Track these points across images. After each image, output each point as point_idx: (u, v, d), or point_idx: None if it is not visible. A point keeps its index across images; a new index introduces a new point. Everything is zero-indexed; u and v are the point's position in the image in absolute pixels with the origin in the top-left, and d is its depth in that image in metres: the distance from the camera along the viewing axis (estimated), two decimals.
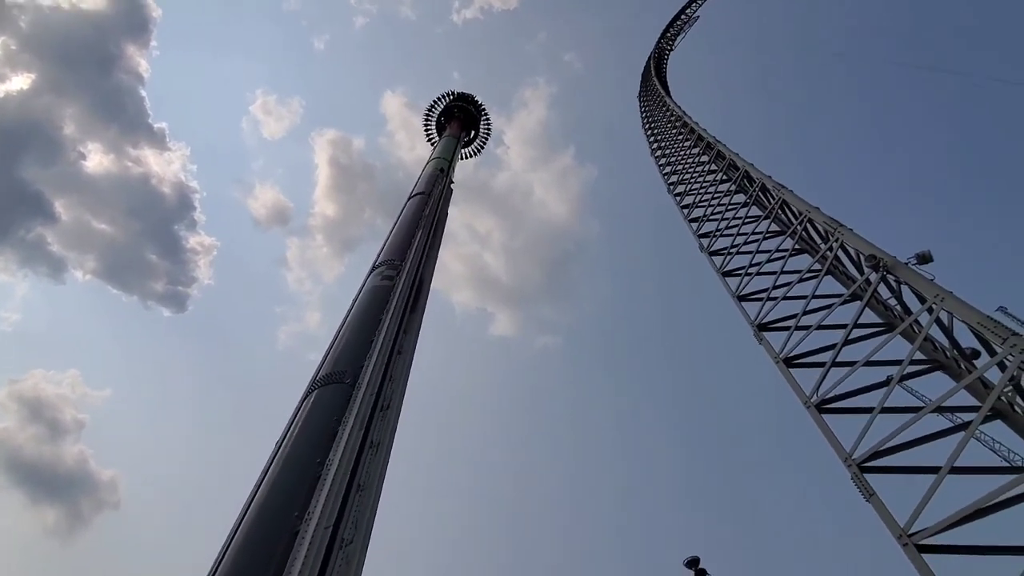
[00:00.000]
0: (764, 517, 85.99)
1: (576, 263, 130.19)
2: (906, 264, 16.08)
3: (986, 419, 13.22)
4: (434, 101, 50.95)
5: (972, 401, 14.43)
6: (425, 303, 19.63)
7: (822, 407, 15.63)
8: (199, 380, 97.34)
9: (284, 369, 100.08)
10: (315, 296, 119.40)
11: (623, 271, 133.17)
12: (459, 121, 48.05)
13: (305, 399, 12.63)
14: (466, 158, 50.60)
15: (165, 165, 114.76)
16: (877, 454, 13.64)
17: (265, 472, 10.61)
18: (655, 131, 47.27)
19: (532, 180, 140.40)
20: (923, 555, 11.22)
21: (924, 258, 16.07)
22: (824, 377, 16.25)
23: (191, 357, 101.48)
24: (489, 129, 51.98)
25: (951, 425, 14.54)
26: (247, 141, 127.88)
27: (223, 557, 8.86)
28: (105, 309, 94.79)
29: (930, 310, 14.75)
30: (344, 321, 16.44)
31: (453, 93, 51.23)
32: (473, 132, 50.88)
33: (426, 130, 50.66)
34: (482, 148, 52.05)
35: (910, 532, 11.60)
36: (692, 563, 17.41)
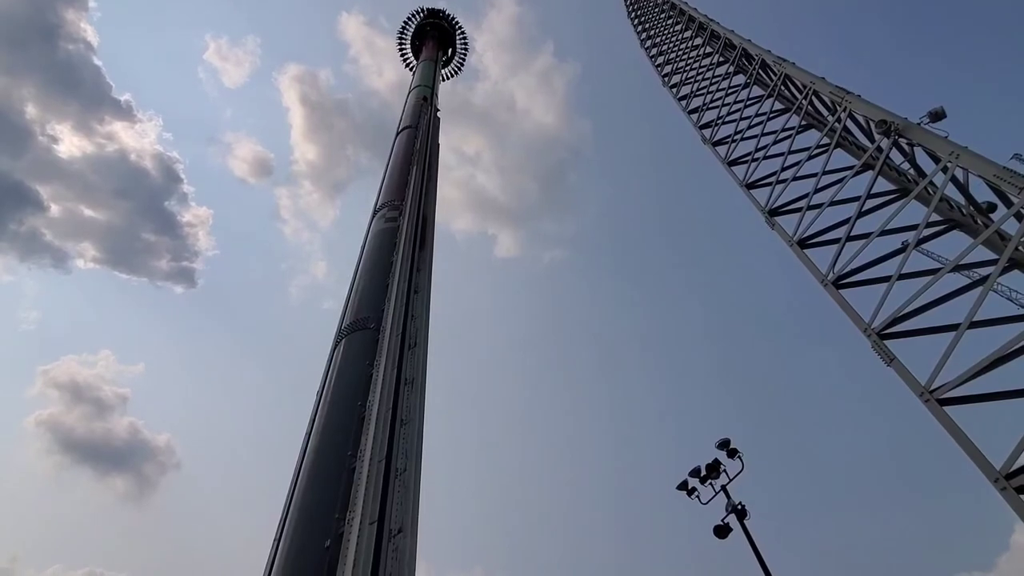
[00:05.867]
0: (790, 395, 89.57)
1: (572, 170, 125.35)
2: (918, 124, 15.49)
3: (1004, 270, 13.24)
4: (404, 22, 47.98)
5: (990, 255, 14.39)
6: (432, 238, 19.64)
7: (839, 283, 15.74)
8: (226, 344, 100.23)
9: (303, 321, 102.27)
10: (316, 245, 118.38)
11: (622, 169, 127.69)
12: (434, 40, 45.42)
13: (335, 348, 13.08)
14: (447, 79, 48.38)
15: (139, 138, 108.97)
16: (896, 320, 13.88)
17: (313, 420, 11.24)
18: (642, 19, 44.24)
19: (513, 87, 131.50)
20: (945, 408, 11.70)
21: (937, 115, 15.42)
22: (840, 252, 16.23)
23: (212, 325, 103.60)
24: (466, 45, 49.20)
25: (970, 281, 14.62)
26: (209, 93, 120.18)
27: (291, 501, 9.62)
28: (117, 294, 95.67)
29: (945, 169, 14.38)
30: (357, 269, 16.61)
31: (423, 10, 48.04)
32: (451, 50, 48.28)
33: (401, 54, 48.13)
34: (461, 66, 49.60)
35: (931, 388, 12.04)
36: (723, 444, 18.44)
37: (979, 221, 15.08)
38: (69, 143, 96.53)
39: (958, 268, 14.15)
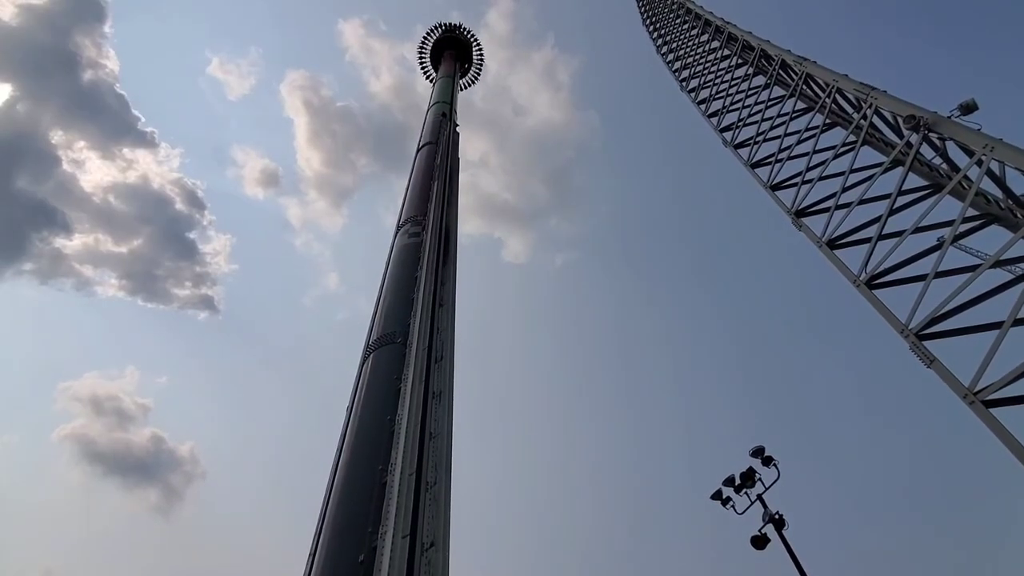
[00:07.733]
0: (814, 398, 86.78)
1: (580, 167, 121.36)
2: (949, 118, 15.05)
3: None
4: (424, 38, 49.90)
5: None
6: (456, 252, 19.81)
7: (872, 283, 15.31)
8: (249, 361, 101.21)
9: (320, 334, 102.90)
10: (326, 256, 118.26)
11: (633, 163, 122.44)
12: (451, 56, 46.71)
13: (364, 363, 13.26)
14: (464, 88, 49.61)
15: (159, 165, 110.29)
16: (935, 320, 13.41)
17: (344, 435, 11.39)
18: (657, 25, 44.18)
19: (516, 84, 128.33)
20: (991, 410, 11.24)
21: (968, 107, 14.95)
22: (872, 252, 15.81)
23: (235, 343, 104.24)
24: (482, 57, 50.41)
25: (1012, 277, 14.06)
26: (215, 107, 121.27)
27: (324, 515, 9.73)
28: (139, 320, 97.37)
29: (979, 162, 13.91)
30: (382, 284, 16.87)
31: (442, 26, 49.54)
32: (467, 63, 49.46)
33: (422, 66, 49.79)
34: (478, 77, 50.84)
35: (976, 390, 11.57)
36: (757, 452, 18.01)
37: (1018, 215, 14.54)
38: (96, 171, 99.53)
39: (999, 264, 13.62)
